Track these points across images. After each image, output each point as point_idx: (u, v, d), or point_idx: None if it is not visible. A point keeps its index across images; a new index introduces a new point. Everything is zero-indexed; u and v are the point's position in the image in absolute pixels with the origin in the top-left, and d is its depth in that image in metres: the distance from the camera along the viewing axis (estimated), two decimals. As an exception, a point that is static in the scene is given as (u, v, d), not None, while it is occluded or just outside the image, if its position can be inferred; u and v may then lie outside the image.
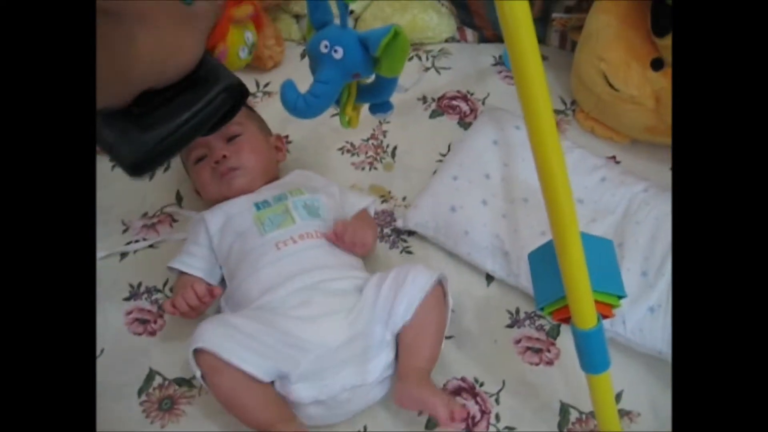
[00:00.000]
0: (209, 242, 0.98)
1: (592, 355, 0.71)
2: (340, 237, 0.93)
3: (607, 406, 0.75)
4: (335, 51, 0.68)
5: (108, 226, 1.08)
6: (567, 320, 0.73)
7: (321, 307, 0.87)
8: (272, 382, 0.83)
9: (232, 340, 0.81)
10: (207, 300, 0.91)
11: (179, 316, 0.91)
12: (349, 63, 0.68)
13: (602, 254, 0.71)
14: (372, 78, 0.75)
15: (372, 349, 0.85)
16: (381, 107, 0.78)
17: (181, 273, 0.97)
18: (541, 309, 0.76)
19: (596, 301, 0.69)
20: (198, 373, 0.81)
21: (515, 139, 1.06)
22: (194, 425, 0.87)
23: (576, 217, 0.64)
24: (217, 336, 0.81)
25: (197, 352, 0.81)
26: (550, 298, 0.74)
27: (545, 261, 0.75)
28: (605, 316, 0.71)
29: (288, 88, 0.70)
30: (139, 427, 0.88)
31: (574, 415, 0.87)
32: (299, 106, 0.70)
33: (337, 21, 0.70)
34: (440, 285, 0.88)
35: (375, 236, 1.01)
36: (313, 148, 1.17)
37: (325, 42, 0.68)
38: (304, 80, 0.70)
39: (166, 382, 0.92)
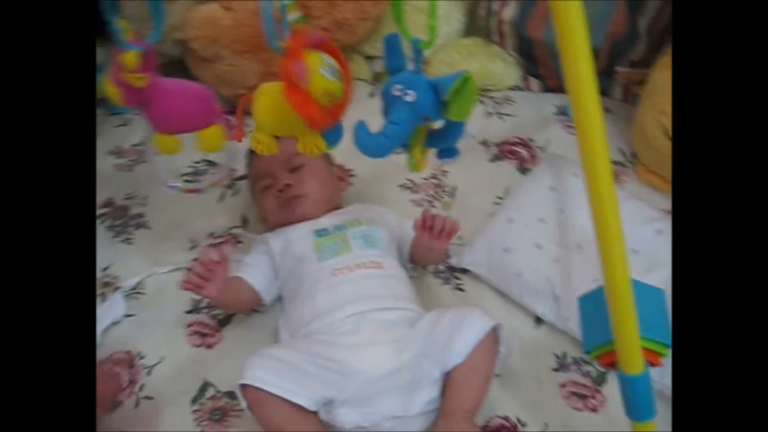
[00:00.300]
0: (271, 262, 1.02)
1: (638, 401, 0.72)
2: (428, 224, 0.94)
3: (651, 457, 0.76)
4: (407, 94, 0.73)
5: (177, 242, 1.15)
6: (613, 365, 0.75)
7: (370, 335, 0.90)
8: (316, 412, 0.86)
9: (277, 374, 0.83)
10: (213, 268, 0.92)
11: (196, 291, 0.93)
12: (420, 106, 0.73)
13: (653, 302, 0.73)
14: (440, 123, 0.80)
15: (418, 382, 0.87)
16: (448, 152, 0.82)
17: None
18: (588, 353, 0.78)
19: (644, 348, 0.70)
20: (244, 405, 0.84)
21: (573, 186, 1.08)
22: (243, 435, 0.91)
23: (627, 263, 0.66)
24: (262, 370, 0.84)
25: (244, 386, 0.84)
26: (597, 342, 0.76)
27: (595, 306, 0.77)
28: (653, 365, 0.73)
29: (361, 128, 0.75)
30: (191, 434, 0.92)
31: (615, 465, 0.87)
32: (371, 145, 0.75)
33: (410, 67, 0.75)
34: (494, 332, 0.90)
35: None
36: (375, 181, 1.21)
37: (399, 86, 0.73)
38: (370, 117, 0.75)
39: (219, 394, 0.96)
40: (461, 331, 0.87)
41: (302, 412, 0.84)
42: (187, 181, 1.24)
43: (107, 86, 0.79)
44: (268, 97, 0.77)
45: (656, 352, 0.73)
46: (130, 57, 0.76)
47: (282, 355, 0.87)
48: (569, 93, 0.58)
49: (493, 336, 0.89)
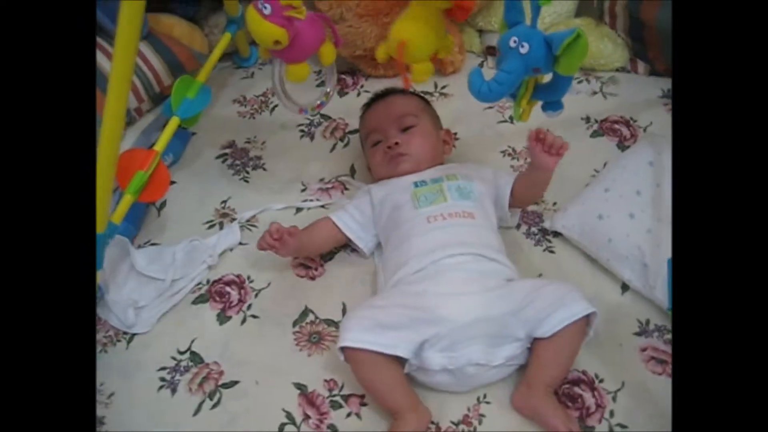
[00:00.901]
0: (371, 212, 1.11)
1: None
2: (541, 136, 0.98)
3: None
4: (522, 46, 0.79)
5: (290, 185, 1.26)
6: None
7: (459, 284, 0.96)
8: (404, 366, 0.92)
9: (374, 332, 0.90)
10: (279, 242, 1.03)
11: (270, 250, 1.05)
12: (532, 57, 0.79)
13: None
14: (548, 77, 0.85)
15: (502, 338, 0.93)
16: (552, 106, 0.88)
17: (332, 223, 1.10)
18: (671, 310, 0.82)
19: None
20: (342, 358, 0.92)
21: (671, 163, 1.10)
22: (335, 359, 0.99)
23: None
24: (359, 331, 0.90)
25: (344, 348, 0.90)
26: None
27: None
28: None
29: (476, 74, 0.82)
30: (291, 352, 1.02)
31: (688, 428, 0.90)
32: (483, 90, 0.81)
33: (527, 22, 0.81)
34: (586, 317, 0.93)
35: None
36: (477, 147, 1.27)
37: (515, 38, 0.79)
38: None
39: (318, 320, 1.06)
40: (559, 308, 0.91)
41: (396, 363, 0.91)
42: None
43: (272, 29, 0.88)
44: (414, 32, 0.91)
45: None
46: None
47: (376, 314, 0.93)
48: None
49: (585, 320, 0.93)
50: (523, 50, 0.79)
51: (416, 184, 1.08)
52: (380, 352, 0.89)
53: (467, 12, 0.91)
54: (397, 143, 1.11)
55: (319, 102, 1.13)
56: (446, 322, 0.92)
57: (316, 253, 1.12)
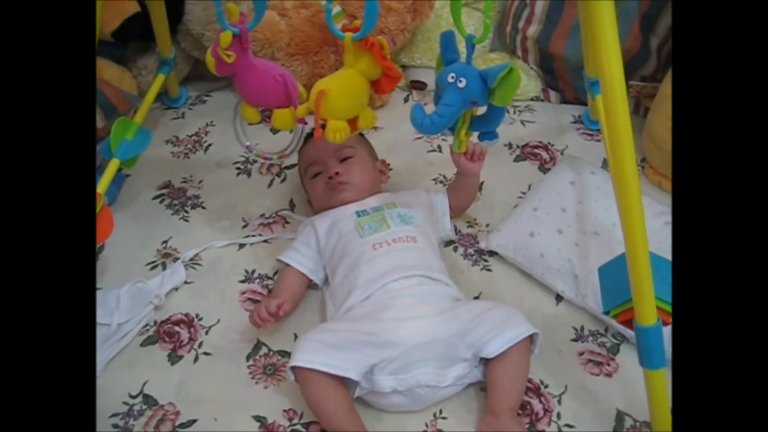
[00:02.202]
0: (317, 245, 1.14)
1: (651, 351, 0.83)
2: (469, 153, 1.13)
3: (661, 404, 0.86)
4: (460, 81, 0.86)
5: (231, 220, 1.27)
6: (629, 323, 0.86)
7: (408, 309, 1.00)
8: (358, 382, 0.95)
9: (325, 354, 0.93)
10: (273, 318, 1.03)
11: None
12: (470, 91, 0.86)
13: (663, 270, 0.84)
14: (483, 109, 0.93)
15: (450, 359, 0.97)
16: (488, 135, 0.95)
17: (287, 266, 1.13)
18: (607, 313, 0.90)
19: (657, 307, 0.82)
20: (291, 378, 0.95)
21: (590, 182, 1.20)
22: (293, 389, 1.01)
23: (645, 231, 0.79)
24: (311, 353, 0.93)
25: (295, 367, 0.93)
26: (615, 303, 0.88)
27: (613, 272, 0.89)
28: (665, 323, 0.84)
29: (417, 109, 0.88)
30: (247, 385, 1.03)
31: (628, 422, 0.97)
32: (425, 123, 0.87)
33: (461, 60, 0.89)
34: (530, 338, 0.99)
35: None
36: (410, 175, 1.34)
37: (452, 74, 0.86)
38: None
39: (271, 352, 1.07)
40: (504, 330, 0.97)
41: (344, 386, 0.94)
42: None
43: (208, 55, 0.93)
44: (336, 87, 0.91)
45: (665, 311, 0.84)
46: (225, 36, 0.89)
47: (327, 338, 0.96)
48: (604, 101, 0.72)
49: (529, 340, 0.99)
50: (461, 85, 0.86)
51: (358, 214, 1.13)
52: (330, 374, 0.92)
53: (393, 82, 0.93)
54: (338, 173, 1.16)
55: (267, 156, 1.12)
56: (396, 345, 0.95)
57: (299, 302, 1.13)
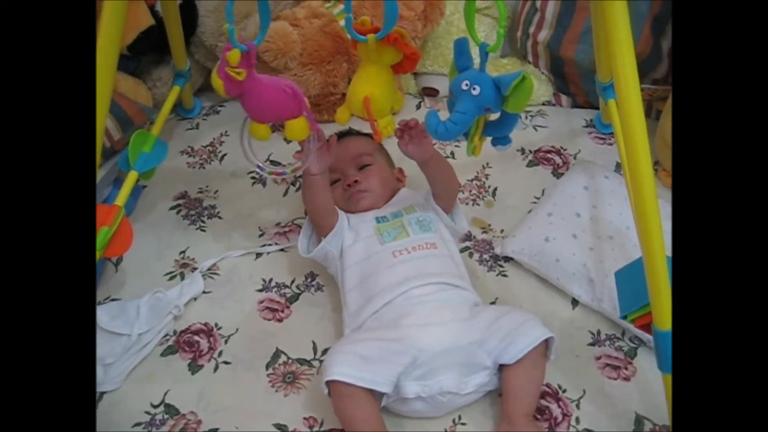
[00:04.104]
0: (347, 227, 1.13)
1: (668, 354, 0.83)
2: (400, 135, 1.08)
3: (680, 407, 0.86)
4: (474, 88, 0.86)
5: (247, 229, 1.29)
6: (647, 327, 0.86)
7: (430, 316, 1.00)
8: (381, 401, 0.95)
9: (358, 368, 0.93)
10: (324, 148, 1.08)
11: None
12: (484, 98, 0.86)
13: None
14: (497, 115, 0.93)
15: (472, 366, 0.98)
16: (502, 140, 0.96)
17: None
18: (625, 317, 0.90)
19: (675, 310, 0.82)
20: (326, 392, 0.94)
21: (604, 186, 1.21)
22: (312, 396, 1.02)
23: (663, 238, 0.79)
24: (344, 366, 0.93)
25: (329, 381, 0.93)
26: (633, 307, 0.88)
27: (630, 277, 0.90)
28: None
29: (432, 115, 0.89)
30: (267, 394, 1.04)
31: (648, 426, 0.98)
32: (440, 129, 0.88)
33: (475, 67, 0.89)
34: (545, 341, 0.99)
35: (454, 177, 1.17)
36: (423, 182, 1.33)
37: (466, 81, 0.87)
38: None
39: (290, 360, 1.08)
40: (519, 335, 0.97)
41: (374, 398, 0.94)
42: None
43: (214, 78, 0.93)
44: (376, 89, 0.97)
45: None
46: (234, 54, 0.90)
47: (356, 348, 0.96)
48: (619, 104, 0.72)
49: (545, 344, 0.99)
50: (475, 92, 0.86)
51: (378, 220, 1.14)
52: (363, 387, 0.92)
53: (415, 63, 0.98)
54: (356, 181, 1.17)
55: (280, 171, 1.09)
56: (421, 351, 0.96)
57: (324, 203, 1.12)
